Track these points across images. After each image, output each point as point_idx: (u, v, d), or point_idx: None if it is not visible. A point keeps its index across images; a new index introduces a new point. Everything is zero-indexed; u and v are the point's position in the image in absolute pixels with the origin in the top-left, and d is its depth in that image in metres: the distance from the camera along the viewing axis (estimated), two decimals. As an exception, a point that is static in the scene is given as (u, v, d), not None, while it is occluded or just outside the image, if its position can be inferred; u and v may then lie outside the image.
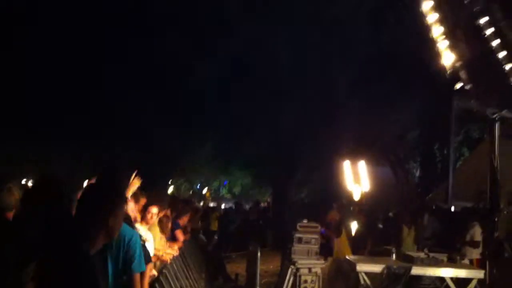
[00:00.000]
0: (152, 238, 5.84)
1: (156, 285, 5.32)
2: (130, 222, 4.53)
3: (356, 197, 12.76)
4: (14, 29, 16.33)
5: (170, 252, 7.13)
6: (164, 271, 5.95)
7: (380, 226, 14.27)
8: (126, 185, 5.01)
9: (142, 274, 4.43)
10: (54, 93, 18.11)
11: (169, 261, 6.57)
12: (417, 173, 21.60)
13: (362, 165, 13.07)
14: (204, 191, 34.43)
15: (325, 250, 9.65)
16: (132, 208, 5.23)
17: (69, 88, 18.43)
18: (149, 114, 21.12)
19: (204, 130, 25.44)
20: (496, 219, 4.71)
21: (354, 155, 13.70)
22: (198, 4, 20.15)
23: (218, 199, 33.55)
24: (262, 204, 25.94)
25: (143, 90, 20.42)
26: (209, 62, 20.35)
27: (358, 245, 11.01)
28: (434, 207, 13.06)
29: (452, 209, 13.75)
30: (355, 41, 18.55)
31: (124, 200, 2.92)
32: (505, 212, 5.51)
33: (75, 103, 18.98)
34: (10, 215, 3.85)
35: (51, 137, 20.08)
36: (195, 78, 21.10)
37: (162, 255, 6.84)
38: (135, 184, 5.42)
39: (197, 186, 35.76)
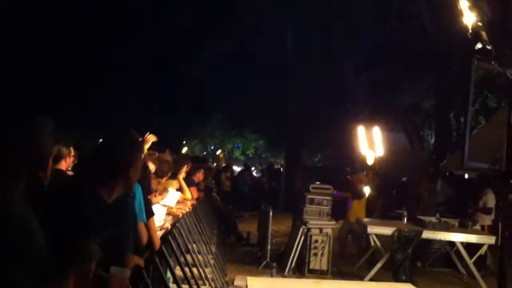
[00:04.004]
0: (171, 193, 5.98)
1: (169, 237, 5.42)
2: None
3: (370, 162, 12.73)
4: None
5: (182, 207, 7.24)
6: (177, 225, 6.04)
7: (394, 191, 14.32)
8: (142, 141, 5.12)
9: (147, 226, 4.60)
10: (57, 78, 18.02)
11: (180, 215, 6.67)
12: (432, 141, 21.48)
13: (376, 130, 13.01)
14: (218, 152, 34.62)
15: (338, 212, 9.71)
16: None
17: (73, 68, 18.38)
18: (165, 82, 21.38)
19: (218, 98, 25.64)
20: (511, 181, 4.68)
21: (369, 121, 13.62)
22: None
23: (232, 161, 33.74)
24: (276, 166, 26.10)
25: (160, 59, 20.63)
26: (222, 37, 20.47)
27: (371, 209, 11.07)
28: (447, 174, 13.02)
29: (466, 176, 13.73)
30: (371, 15, 18.38)
31: (143, 152, 2.99)
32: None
33: (79, 83, 18.97)
34: None
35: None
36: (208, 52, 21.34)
37: (175, 211, 6.96)
38: (150, 139, 5.50)
39: (211, 147, 35.96)
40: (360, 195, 10.03)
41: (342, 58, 18.88)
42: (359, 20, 18.11)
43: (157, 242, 4.87)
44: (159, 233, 5.55)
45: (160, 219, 5.68)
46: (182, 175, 7.41)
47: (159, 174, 5.67)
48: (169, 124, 22.74)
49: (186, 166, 7.39)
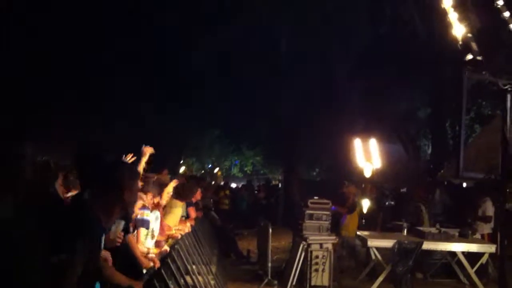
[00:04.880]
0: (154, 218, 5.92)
1: (168, 260, 5.37)
2: None
3: (367, 174, 12.72)
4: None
5: (181, 228, 7.21)
6: (176, 246, 6.00)
7: (392, 202, 14.28)
8: (137, 166, 5.14)
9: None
10: (57, 77, 17.96)
11: (179, 237, 6.65)
12: (429, 150, 21.52)
13: (373, 142, 13.03)
14: (216, 170, 34.58)
15: (333, 226, 9.68)
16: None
17: (71, 70, 18.30)
18: (156, 97, 21.24)
19: (212, 112, 25.55)
20: (508, 190, 4.70)
21: (365, 133, 13.64)
22: None
23: (229, 178, 33.70)
24: (273, 182, 26.05)
25: (146, 72, 20.52)
26: (212, 45, 20.43)
27: (370, 222, 11.04)
28: (445, 183, 13.02)
29: (464, 185, 13.73)
30: (363, 22, 18.47)
31: (138, 177, 3.02)
32: (516, 183, 5.52)
33: (77, 85, 18.88)
34: None
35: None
36: (199, 62, 21.24)
37: (174, 233, 6.93)
38: (147, 151, 5.47)
39: (208, 165, 35.93)
40: (353, 208, 10.03)
41: (335, 67, 18.92)
42: (352, 27, 18.19)
43: (142, 259, 4.90)
44: (158, 256, 5.52)
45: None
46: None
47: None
48: (166, 143, 22.64)
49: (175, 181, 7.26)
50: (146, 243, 5.57)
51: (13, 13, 15.59)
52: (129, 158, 5.26)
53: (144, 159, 5.33)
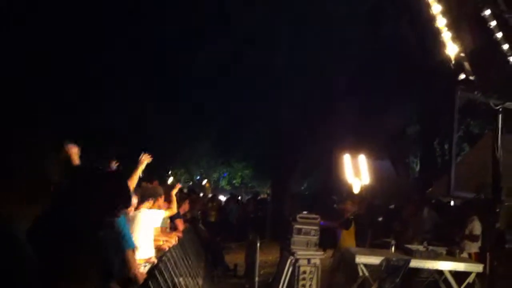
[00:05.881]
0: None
1: (155, 272, 5.32)
2: None
3: (356, 190, 12.74)
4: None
5: (169, 240, 7.16)
6: (163, 258, 5.95)
7: (380, 219, 14.30)
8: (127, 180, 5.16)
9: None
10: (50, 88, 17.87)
11: (167, 249, 6.60)
12: (417, 168, 21.62)
13: (362, 158, 13.07)
14: (204, 182, 34.47)
15: (325, 241, 9.65)
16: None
17: (63, 84, 18.21)
18: (147, 108, 21.13)
19: (203, 124, 25.48)
20: (498, 210, 4.71)
21: (354, 149, 13.68)
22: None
23: (218, 190, 33.59)
24: (262, 196, 25.99)
25: (137, 79, 20.40)
26: (207, 55, 20.37)
27: (359, 238, 11.02)
28: (434, 201, 13.06)
29: (452, 203, 13.79)
30: (355, 36, 18.55)
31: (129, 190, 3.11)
32: (506, 203, 5.52)
33: (70, 98, 18.79)
34: None
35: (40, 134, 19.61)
36: (193, 71, 21.16)
37: (161, 244, 6.87)
38: (145, 160, 5.47)
39: (196, 177, 35.80)
40: (348, 225, 10.01)
41: (326, 84, 18.98)
42: (344, 47, 18.28)
43: (137, 273, 4.86)
44: (146, 268, 5.47)
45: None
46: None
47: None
48: (155, 154, 22.49)
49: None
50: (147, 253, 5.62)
51: (13, 13, 15.52)
52: (114, 164, 5.29)
53: (142, 167, 5.33)
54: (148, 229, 6.04)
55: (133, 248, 4.70)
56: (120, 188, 2.81)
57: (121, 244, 4.36)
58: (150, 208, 6.18)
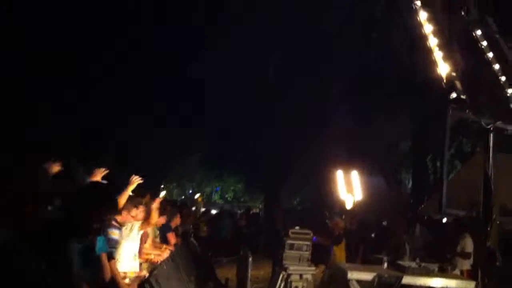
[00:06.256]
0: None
1: (146, 285, 5.31)
2: None
3: (349, 206, 12.78)
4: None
5: (159, 253, 7.14)
6: (154, 272, 5.93)
7: (373, 235, 14.30)
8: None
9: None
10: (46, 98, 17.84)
11: (158, 262, 6.59)
12: (409, 184, 21.69)
13: (354, 174, 13.12)
14: (196, 196, 34.40)
15: (317, 257, 9.63)
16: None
17: (59, 96, 18.19)
18: (140, 120, 21.14)
19: (195, 137, 25.50)
20: (489, 229, 4.74)
21: (347, 165, 13.74)
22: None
23: (210, 204, 33.51)
24: (254, 210, 25.95)
25: (133, 91, 20.41)
26: (200, 71, 20.50)
27: (351, 253, 11.01)
28: (426, 218, 13.10)
29: (444, 220, 13.83)
30: (347, 53, 18.71)
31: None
32: (497, 222, 5.56)
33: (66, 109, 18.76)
34: None
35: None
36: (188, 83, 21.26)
37: (152, 258, 6.86)
38: (135, 182, 5.50)
39: (189, 191, 35.74)
40: (339, 240, 10.02)
41: (318, 99, 19.07)
42: (335, 60, 18.39)
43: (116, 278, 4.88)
44: (135, 280, 5.46)
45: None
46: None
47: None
48: (146, 168, 22.50)
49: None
50: (131, 264, 5.58)
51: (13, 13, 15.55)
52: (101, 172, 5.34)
53: (131, 188, 5.35)
54: (132, 242, 6.05)
55: (107, 253, 4.71)
56: (104, 197, 2.97)
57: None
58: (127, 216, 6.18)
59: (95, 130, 19.43)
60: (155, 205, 7.07)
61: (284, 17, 18.22)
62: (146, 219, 6.54)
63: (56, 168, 4.90)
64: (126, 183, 5.58)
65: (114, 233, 5.56)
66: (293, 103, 18.51)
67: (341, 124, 19.64)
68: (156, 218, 6.96)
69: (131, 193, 5.61)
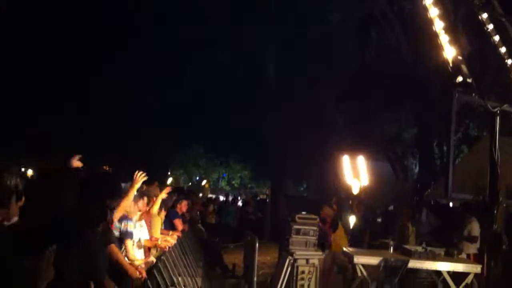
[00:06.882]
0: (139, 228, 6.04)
1: (154, 271, 5.36)
2: None
3: (355, 191, 12.77)
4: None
5: (168, 239, 7.19)
6: (162, 258, 5.99)
7: (379, 220, 14.32)
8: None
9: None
10: (53, 93, 17.89)
11: (166, 248, 6.63)
12: (416, 169, 21.66)
13: (361, 160, 13.10)
14: (203, 183, 34.53)
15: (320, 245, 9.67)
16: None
17: (68, 90, 18.27)
18: (148, 111, 21.32)
19: (202, 127, 25.65)
20: (495, 212, 4.75)
21: (353, 150, 13.72)
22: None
23: (217, 191, 33.64)
24: (261, 196, 26.01)
25: (142, 88, 20.65)
26: (205, 65, 20.62)
27: (357, 238, 11.04)
28: (432, 203, 13.09)
29: (451, 204, 13.83)
30: (355, 45, 18.70)
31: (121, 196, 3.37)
32: (504, 205, 5.57)
33: (73, 104, 18.86)
34: None
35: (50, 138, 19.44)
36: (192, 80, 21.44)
37: (160, 243, 6.91)
38: (140, 179, 5.48)
39: (196, 177, 35.86)
40: (333, 226, 10.05)
41: (322, 87, 19.04)
42: (340, 52, 18.36)
43: (127, 267, 4.91)
44: (144, 266, 5.51)
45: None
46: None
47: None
48: (154, 155, 22.66)
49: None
50: (135, 253, 5.58)
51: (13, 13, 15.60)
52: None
53: (136, 186, 5.32)
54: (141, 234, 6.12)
55: (115, 243, 4.80)
56: (104, 183, 3.02)
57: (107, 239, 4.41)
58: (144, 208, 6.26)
59: (96, 124, 19.59)
60: (163, 194, 7.15)
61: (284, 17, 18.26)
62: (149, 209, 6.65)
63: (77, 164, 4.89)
64: (126, 176, 5.61)
65: (130, 226, 5.62)
66: (299, 95, 18.52)
67: (347, 113, 19.68)
68: (157, 208, 7.02)
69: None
